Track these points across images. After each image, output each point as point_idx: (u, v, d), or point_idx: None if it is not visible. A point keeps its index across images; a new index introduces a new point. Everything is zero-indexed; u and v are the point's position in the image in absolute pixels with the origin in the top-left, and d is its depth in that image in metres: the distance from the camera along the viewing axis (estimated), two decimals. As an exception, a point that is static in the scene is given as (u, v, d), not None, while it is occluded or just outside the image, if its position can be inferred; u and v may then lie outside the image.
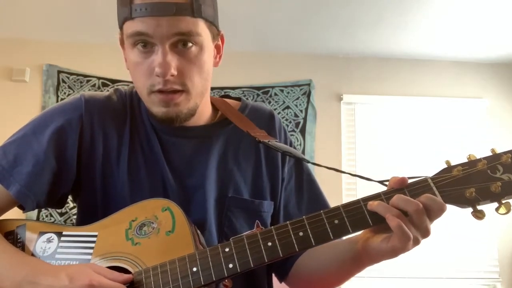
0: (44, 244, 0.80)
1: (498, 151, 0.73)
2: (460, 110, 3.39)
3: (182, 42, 0.79)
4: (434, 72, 3.43)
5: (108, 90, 0.95)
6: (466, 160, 0.73)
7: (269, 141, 0.89)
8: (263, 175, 0.93)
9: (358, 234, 0.78)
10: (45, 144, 0.83)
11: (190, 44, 0.79)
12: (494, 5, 2.69)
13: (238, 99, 1.01)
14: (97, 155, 0.87)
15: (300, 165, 0.98)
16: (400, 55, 3.39)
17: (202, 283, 0.71)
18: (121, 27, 0.83)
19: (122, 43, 0.87)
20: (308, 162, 0.94)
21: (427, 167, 3.46)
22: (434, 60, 3.44)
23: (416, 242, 0.69)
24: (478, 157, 0.73)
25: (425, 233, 0.70)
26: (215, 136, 0.92)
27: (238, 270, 0.71)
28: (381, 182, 0.79)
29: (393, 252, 0.70)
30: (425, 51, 3.34)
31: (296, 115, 3.30)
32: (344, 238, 0.83)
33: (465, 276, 3.09)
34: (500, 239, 3.14)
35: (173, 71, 0.78)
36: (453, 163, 0.74)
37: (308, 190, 0.98)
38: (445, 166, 0.74)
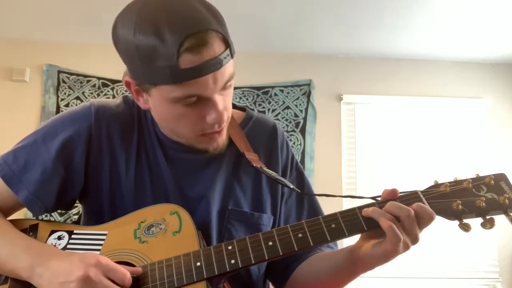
0: (55, 241, 0.83)
1: (487, 173, 0.81)
2: (460, 110, 3.39)
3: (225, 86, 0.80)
4: (434, 72, 3.44)
5: (107, 93, 0.96)
6: (453, 180, 0.81)
7: (260, 167, 0.91)
8: (263, 189, 0.95)
9: (353, 244, 0.82)
10: (54, 153, 0.85)
11: (230, 84, 0.81)
12: (494, 5, 2.69)
13: (243, 109, 1.02)
14: (104, 165, 0.89)
15: (301, 181, 0.99)
16: (400, 55, 3.40)
17: (205, 276, 0.74)
18: (149, 84, 0.78)
19: (128, 86, 0.84)
20: (298, 192, 0.95)
21: (426, 168, 3.45)
22: (434, 60, 3.44)
23: (406, 247, 0.73)
24: (463, 177, 0.80)
25: (415, 239, 0.74)
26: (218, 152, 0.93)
27: (240, 265, 0.75)
28: (374, 198, 0.82)
29: (385, 256, 0.74)
30: (425, 51, 3.34)
31: (296, 115, 3.30)
32: (341, 249, 0.88)
33: (465, 276, 3.10)
34: (500, 239, 3.14)
35: (227, 116, 0.81)
36: (440, 182, 0.81)
37: (308, 205, 1.00)
38: (433, 183, 0.81)
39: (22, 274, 0.75)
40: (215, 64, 0.74)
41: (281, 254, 0.75)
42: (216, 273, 0.74)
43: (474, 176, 0.80)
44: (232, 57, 0.78)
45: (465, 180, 0.79)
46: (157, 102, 0.80)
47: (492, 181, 0.78)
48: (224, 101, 0.80)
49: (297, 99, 3.33)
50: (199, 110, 0.79)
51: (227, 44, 0.76)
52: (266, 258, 0.75)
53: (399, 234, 0.71)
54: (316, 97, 3.33)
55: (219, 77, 0.76)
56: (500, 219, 0.76)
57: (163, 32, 0.71)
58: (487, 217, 0.75)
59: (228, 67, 0.78)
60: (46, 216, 0.94)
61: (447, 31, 3.04)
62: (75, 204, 0.94)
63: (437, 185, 0.80)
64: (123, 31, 0.77)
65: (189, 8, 0.73)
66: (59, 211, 2.94)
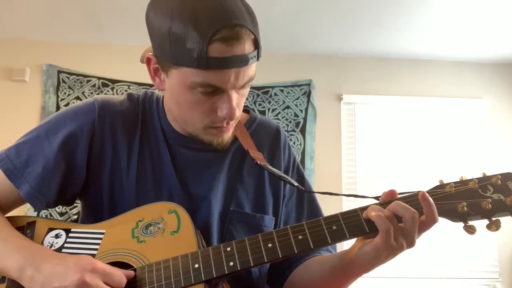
0: (52, 239, 0.82)
1: (490, 172, 0.78)
2: (460, 110, 3.39)
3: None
4: (434, 72, 3.43)
5: (106, 93, 0.95)
6: (458, 179, 0.78)
7: (265, 165, 0.91)
8: (266, 191, 0.94)
9: (349, 248, 0.81)
10: (56, 148, 0.85)
11: (248, 85, 0.82)
12: (494, 5, 2.69)
13: (247, 111, 1.02)
14: (106, 161, 0.88)
15: (302, 183, 0.99)
16: (400, 55, 3.39)
17: (203, 279, 0.73)
18: (172, 64, 0.77)
19: (148, 63, 0.84)
20: (302, 190, 0.95)
21: (426, 168, 3.45)
22: (434, 60, 3.44)
23: (400, 249, 0.72)
24: (469, 177, 0.78)
25: (411, 242, 0.73)
26: (223, 150, 0.93)
27: (238, 268, 0.73)
28: (377, 198, 0.81)
29: (375, 253, 0.72)
30: (425, 51, 3.34)
31: (296, 115, 3.30)
32: (336, 252, 0.88)
33: (465, 276, 3.10)
34: (500, 239, 3.14)
35: (238, 114, 0.81)
36: (446, 181, 0.79)
37: (308, 207, 0.99)
38: (438, 183, 0.79)
39: (12, 274, 0.74)
40: (241, 61, 0.75)
41: (280, 256, 0.74)
42: (215, 275, 0.73)
43: (480, 175, 0.78)
44: (258, 59, 0.79)
45: (471, 180, 0.77)
46: (174, 85, 0.80)
47: (499, 181, 0.76)
48: (238, 99, 0.81)
49: (297, 99, 3.33)
50: (212, 101, 0.79)
51: (257, 46, 0.77)
52: (266, 260, 0.74)
53: (389, 225, 0.70)
54: (316, 97, 3.33)
55: (241, 75, 0.77)
56: (501, 219, 0.75)
57: (201, 16, 0.72)
58: (493, 219, 0.73)
59: (252, 68, 0.79)
60: (46, 216, 0.94)
61: (447, 31, 3.04)
62: (75, 204, 0.94)
63: (442, 185, 0.78)
64: (160, 7, 0.77)
65: (231, 2, 0.74)
66: (59, 211, 2.95)
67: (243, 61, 0.75)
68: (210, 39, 0.72)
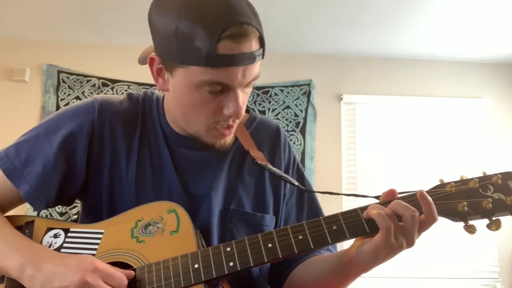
0: (50, 239, 0.82)
1: (490, 172, 0.78)
2: (460, 110, 3.39)
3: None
4: (434, 72, 3.43)
5: (106, 93, 0.95)
6: (459, 179, 0.78)
7: (266, 164, 0.91)
8: (266, 190, 0.94)
9: (348, 248, 0.81)
10: (56, 147, 0.85)
11: (252, 83, 0.82)
12: (494, 5, 2.69)
13: (247, 110, 1.01)
14: (105, 161, 0.88)
15: (302, 183, 0.99)
16: (400, 55, 3.39)
17: (203, 279, 0.73)
18: (179, 63, 0.77)
19: (151, 63, 0.83)
20: (303, 189, 0.95)
21: (426, 168, 3.45)
22: (434, 60, 3.44)
23: (400, 249, 0.72)
24: (469, 176, 0.78)
25: (411, 241, 0.72)
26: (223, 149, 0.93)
27: (238, 268, 0.73)
28: (377, 197, 0.81)
29: (375, 253, 0.72)
30: (425, 51, 3.34)
31: (296, 115, 3.30)
32: (335, 252, 0.88)
33: (465, 276, 3.09)
34: (500, 239, 3.14)
35: (243, 112, 0.81)
36: (446, 180, 0.79)
37: (308, 206, 0.99)
38: (439, 183, 0.78)
39: (12, 273, 0.74)
40: (249, 58, 0.76)
41: (280, 256, 0.74)
42: (214, 275, 0.73)
43: (481, 174, 0.77)
44: (263, 57, 0.80)
45: (471, 180, 0.76)
46: (179, 85, 0.80)
47: (500, 180, 0.75)
48: (243, 98, 0.81)
49: (297, 99, 3.33)
50: (218, 100, 0.79)
51: (262, 44, 0.79)
52: (266, 260, 0.74)
53: (389, 223, 0.70)
54: (316, 97, 3.33)
55: (248, 72, 0.77)
56: (501, 218, 0.75)
57: (208, 15, 0.72)
58: (493, 219, 0.73)
59: (257, 66, 0.80)
60: (46, 216, 0.93)
61: (447, 31, 3.04)
62: (75, 204, 0.94)
63: (442, 185, 0.77)
64: (164, 7, 0.77)
65: (236, 0, 0.75)
66: (59, 211, 2.95)
67: (250, 58, 0.76)
68: (219, 37, 0.72)
